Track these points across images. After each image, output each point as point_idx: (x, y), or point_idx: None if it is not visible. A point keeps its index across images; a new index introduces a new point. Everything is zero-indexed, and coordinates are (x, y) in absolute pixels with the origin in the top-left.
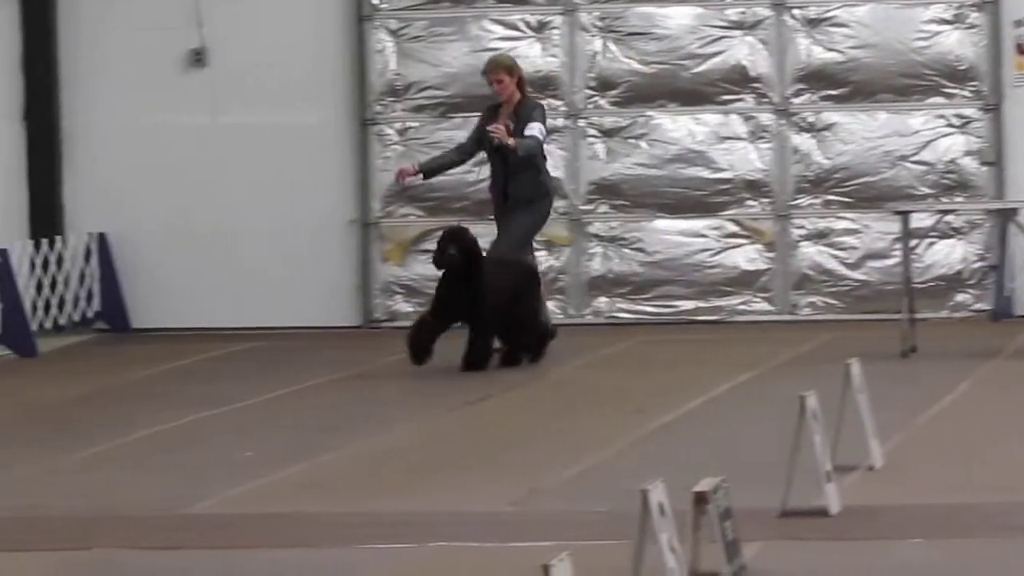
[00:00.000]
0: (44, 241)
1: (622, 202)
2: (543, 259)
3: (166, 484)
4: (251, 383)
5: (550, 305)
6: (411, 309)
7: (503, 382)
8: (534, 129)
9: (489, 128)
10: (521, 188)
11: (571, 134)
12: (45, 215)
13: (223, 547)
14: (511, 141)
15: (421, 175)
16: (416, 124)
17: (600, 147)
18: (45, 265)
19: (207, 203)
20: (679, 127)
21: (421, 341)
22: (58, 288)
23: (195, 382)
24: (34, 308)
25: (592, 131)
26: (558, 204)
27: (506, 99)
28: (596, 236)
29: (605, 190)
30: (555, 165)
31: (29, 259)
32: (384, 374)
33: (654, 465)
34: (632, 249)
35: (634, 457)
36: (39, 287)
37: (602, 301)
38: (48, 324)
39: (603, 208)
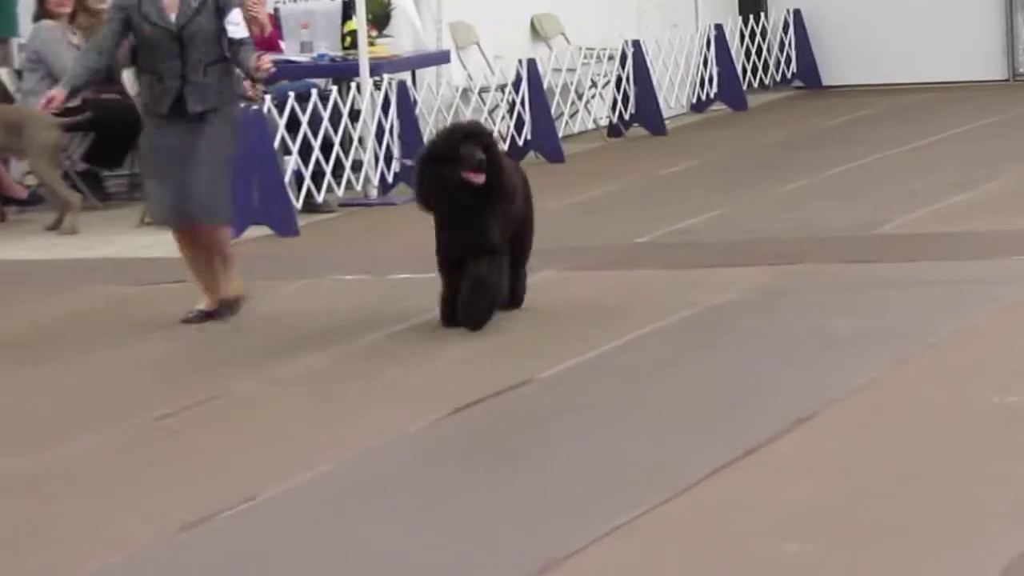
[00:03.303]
0: (751, 16)
1: None
2: None
3: (856, 211)
4: (919, 128)
5: None
6: None
7: None
8: (238, 20)
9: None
10: (209, 93)
11: None
12: None
13: (908, 260)
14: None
15: (67, 98)
16: None
17: None
18: (752, 36)
19: None
20: None
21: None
22: (763, 54)
23: (875, 128)
24: (744, 71)
25: None
26: None
27: None
28: None
29: None
30: None
31: (739, 31)
32: None
33: None
34: None
35: None
36: (747, 54)
37: None
38: (755, 84)
39: None
